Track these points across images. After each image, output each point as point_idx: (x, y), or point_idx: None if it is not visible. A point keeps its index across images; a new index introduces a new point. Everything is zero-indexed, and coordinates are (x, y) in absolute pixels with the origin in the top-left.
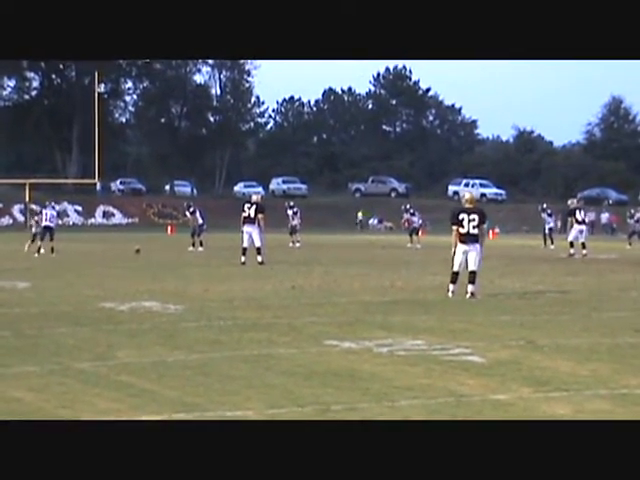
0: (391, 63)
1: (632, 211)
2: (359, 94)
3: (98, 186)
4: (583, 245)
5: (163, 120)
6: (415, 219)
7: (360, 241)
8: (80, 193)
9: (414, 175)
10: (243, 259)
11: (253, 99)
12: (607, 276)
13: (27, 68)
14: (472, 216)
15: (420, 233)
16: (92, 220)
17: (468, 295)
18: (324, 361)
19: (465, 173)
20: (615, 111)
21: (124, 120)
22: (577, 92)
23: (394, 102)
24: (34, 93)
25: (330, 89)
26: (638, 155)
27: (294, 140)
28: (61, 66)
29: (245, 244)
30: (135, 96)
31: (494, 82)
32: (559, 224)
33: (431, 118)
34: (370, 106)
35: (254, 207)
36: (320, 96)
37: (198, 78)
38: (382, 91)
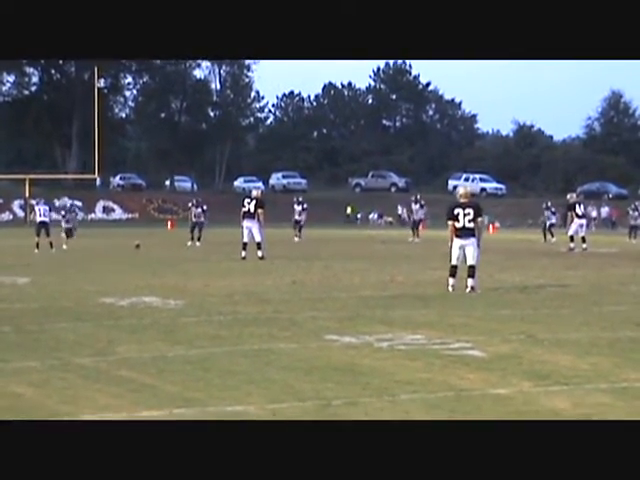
0: None
1: (631, 206)
2: (359, 89)
3: (98, 181)
4: (583, 239)
5: (163, 115)
6: (422, 211)
7: (360, 236)
8: (80, 188)
9: (414, 170)
10: (243, 254)
11: (253, 94)
12: (607, 270)
13: (26, 63)
14: (467, 210)
15: (421, 227)
16: (92, 215)
17: (468, 289)
18: (324, 356)
19: (465, 167)
20: (615, 105)
21: (124, 115)
22: (577, 86)
23: (394, 97)
24: (34, 88)
25: (330, 84)
26: (638, 149)
27: (294, 135)
28: (60, 61)
29: (245, 239)
30: (135, 91)
31: (494, 76)
32: (559, 219)
33: (431, 113)
34: (370, 101)
35: (254, 202)
36: (320, 91)
37: (198, 73)
38: (382, 86)
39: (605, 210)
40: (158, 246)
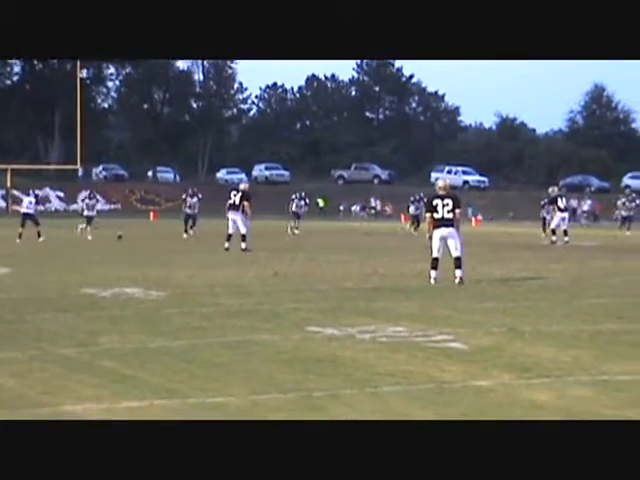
0: None
1: (628, 198)
2: (342, 81)
3: (80, 172)
4: (565, 232)
5: (146, 106)
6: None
7: (343, 228)
8: (62, 179)
9: (397, 162)
10: (227, 245)
11: (236, 85)
12: (589, 263)
13: None
14: (446, 201)
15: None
16: (74, 206)
17: (457, 280)
18: (306, 347)
19: (448, 160)
20: (597, 99)
21: (106, 106)
22: (559, 80)
23: (377, 89)
24: (16, 79)
25: (313, 76)
26: (620, 143)
27: (277, 126)
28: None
29: (230, 231)
30: (117, 82)
31: (477, 69)
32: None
33: (414, 105)
34: (353, 93)
35: (240, 195)
36: (303, 83)
37: (181, 64)
38: (365, 78)
39: (587, 203)
40: (141, 237)
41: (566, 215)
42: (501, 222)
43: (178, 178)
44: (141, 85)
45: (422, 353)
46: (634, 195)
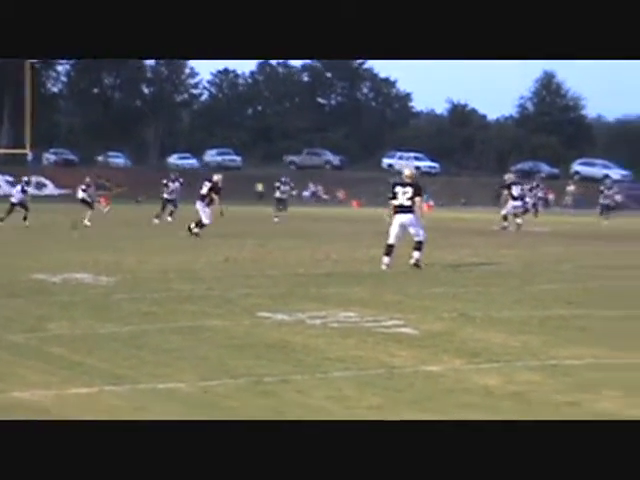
0: None
1: (605, 186)
2: (294, 66)
3: (30, 157)
4: (516, 216)
5: (96, 91)
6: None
7: (294, 213)
8: (11, 164)
9: (349, 148)
10: (196, 230)
11: (187, 70)
12: (540, 249)
13: None
14: (406, 188)
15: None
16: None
17: (412, 261)
18: (257, 333)
19: (399, 146)
20: (547, 85)
21: (56, 90)
22: (510, 66)
23: (329, 75)
24: None
25: (265, 61)
26: (570, 129)
27: (229, 112)
28: None
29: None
30: (68, 66)
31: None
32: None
33: (366, 91)
34: (305, 78)
35: (209, 186)
36: (255, 68)
37: None
38: (317, 64)
39: (539, 189)
40: (92, 223)
41: (519, 203)
42: (452, 208)
43: (129, 163)
44: (91, 69)
45: (372, 338)
46: (611, 183)
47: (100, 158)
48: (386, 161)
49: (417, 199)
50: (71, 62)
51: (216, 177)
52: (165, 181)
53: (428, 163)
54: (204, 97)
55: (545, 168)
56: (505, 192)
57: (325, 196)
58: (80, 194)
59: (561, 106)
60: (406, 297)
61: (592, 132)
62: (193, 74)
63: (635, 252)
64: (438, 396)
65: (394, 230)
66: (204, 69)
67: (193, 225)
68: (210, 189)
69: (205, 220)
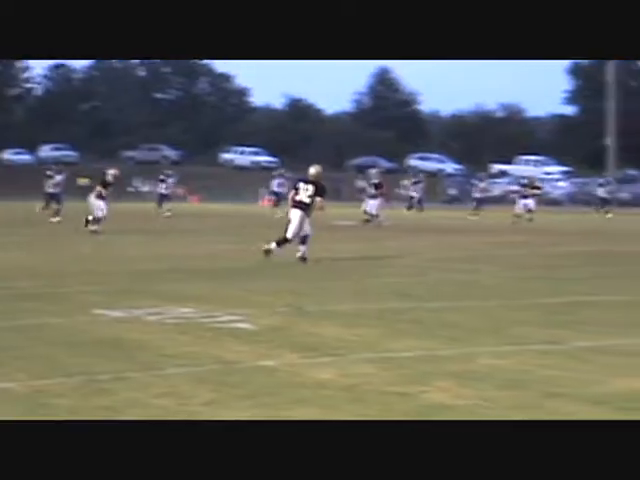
0: None
1: (478, 180)
2: (130, 61)
3: None
4: (369, 214)
5: None
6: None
7: (138, 209)
8: None
9: (187, 143)
10: (95, 227)
11: (20, 64)
12: (381, 243)
13: None
14: (308, 186)
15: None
16: None
17: (299, 254)
18: (93, 330)
19: (238, 141)
20: (383, 80)
21: None
22: (346, 61)
23: (166, 70)
24: None
25: None
26: (406, 124)
27: (64, 107)
28: None
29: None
30: None
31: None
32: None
33: (203, 86)
34: (141, 73)
35: (100, 180)
36: (90, 62)
37: None
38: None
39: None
40: None
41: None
42: None
43: None
44: None
45: (209, 334)
46: (484, 175)
47: None
48: (225, 156)
49: (317, 199)
50: None
51: (111, 172)
52: (49, 173)
53: (267, 158)
54: (39, 92)
55: (382, 162)
56: (364, 186)
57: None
58: None
59: (397, 101)
60: (245, 292)
61: (427, 127)
62: (26, 68)
63: (474, 244)
64: (273, 391)
65: (294, 223)
66: (37, 63)
67: (93, 228)
68: (100, 183)
69: (99, 213)
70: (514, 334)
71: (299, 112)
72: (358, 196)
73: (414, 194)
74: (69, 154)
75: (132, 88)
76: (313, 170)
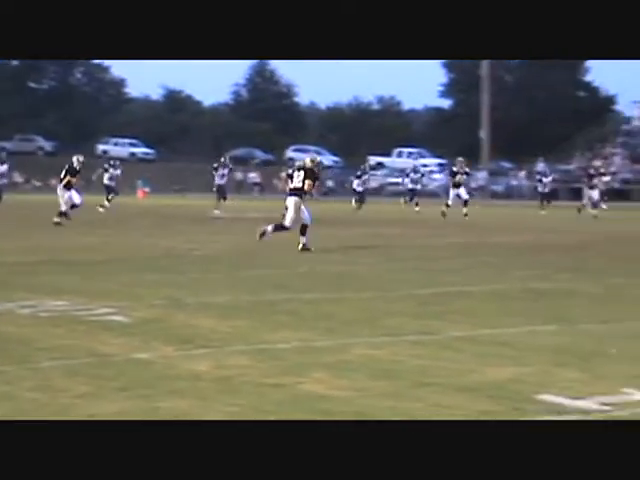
0: None
1: (414, 170)
2: None
3: None
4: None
5: None
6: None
7: (18, 201)
8: None
9: (62, 133)
10: (56, 220)
11: None
12: (253, 235)
13: None
14: (300, 172)
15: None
16: None
17: (301, 245)
18: None
19: (114, 132)
20: (261, 72)
21: None
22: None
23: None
24: None
25: None
26: (283, 116)
27: None
28: None
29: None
30: None
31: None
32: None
33: (79, 76)
34: (15, 62)
35: (65, 168)
36: None
37: None
38: None
39: (252, 175)
40: None
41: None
42: (167, 194)
43: None
44: None
45: (84, 327)
46: (418, 166)
47: None
48: (101, 147)
49: (306, 182)
50: None
51: (74, 158)
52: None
53: (143, 149)
54: None
55: (259, 154)
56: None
57: (38, 183)
58: None
59: (274, 93)
60: (119, 285)
61: (305, 119)
62: None
63: (350, 236)
64: (148, 383)
65: (290, 212)
66: None
67: (56, 219)
68: (66, 172)
69: (63, 207)
70: (389, 325)
71: (177, 103)
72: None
73: (359, 188)
74: None
75: (5, 77)
76: (307, 159)
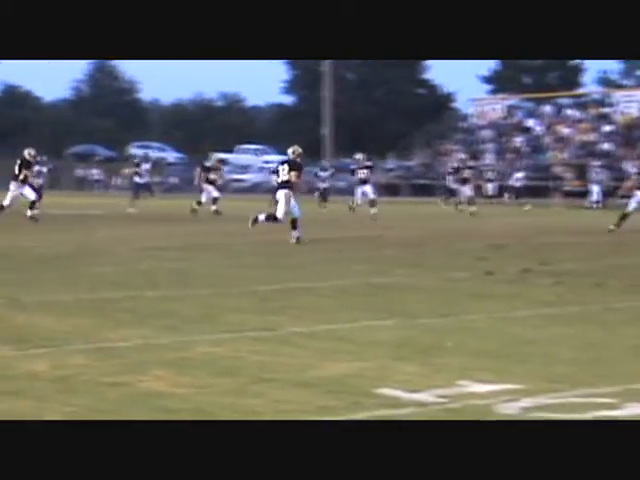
0: None
1: (320, 169)
2: None
3: None
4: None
5: None
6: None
7: None
8: None
9: None
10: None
11: None
12: (97, 232)
13: None
14: (284, 166)
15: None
16: None
17: (293, 239)
18: None
19: None
20: (102, 68)
21: None
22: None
23: None
24: None
25: None
26: (125, 112)
27: None
28: None
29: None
30: None
31: None
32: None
33: None
34: None
35: (19, 163)
36: None
37: None
38: None
39: (94, 172)
40: None
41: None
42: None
43: None
44: None
45: None
46: (327, 164)
47: None
48: None
49: (291, 173)
50: None
51: (26, 152)
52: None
53: None
54: None
55: (101, 151)
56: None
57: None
58: None
59: (116, 89)
60: None
61: (148, 115)
62: None
63: (191, 232)
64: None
65: (281, 206)
66: None
67: (29, 213)
68: (20, 166)
69: (6, 202)
70: (230, 321)
71: (16, 99)
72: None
73: (323, 185)
74: None
75: None
76: (290, 149)
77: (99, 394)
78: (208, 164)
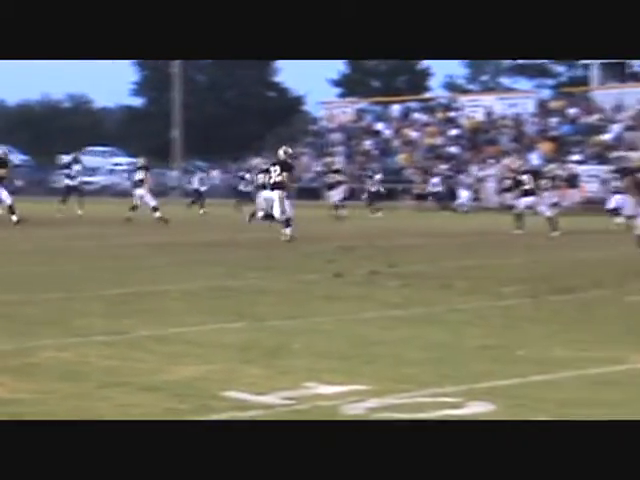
0: None
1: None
2: None
3: None
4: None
5: None
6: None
7: None
8: None
9: None
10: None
11: None
12: None
13: None
14: (276, 167)
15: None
16: None
17: (287, 237)
18: None
19: None
20: None
21: None
22: None
23: None
24: None
25: None
26: None
27: None
28: None
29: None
30: None
31: None
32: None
33: None
34: None
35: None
36: None
37: None
38: None
39: None
40: None
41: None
42: None
43: None
44: None
45: None
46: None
47: None
48: None
49: (283, 174)
50: None
51: (0, 150)
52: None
53: None
54: None
55: None
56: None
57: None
58: None
59: None
60: None
61: None
62: None
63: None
64: None
65: (277, 205)
66: None
67: (14, 218)
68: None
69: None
70: (77, 326)
71: None
72: None
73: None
74: None
75: None
76: (281, 152)
77: None
78: None
